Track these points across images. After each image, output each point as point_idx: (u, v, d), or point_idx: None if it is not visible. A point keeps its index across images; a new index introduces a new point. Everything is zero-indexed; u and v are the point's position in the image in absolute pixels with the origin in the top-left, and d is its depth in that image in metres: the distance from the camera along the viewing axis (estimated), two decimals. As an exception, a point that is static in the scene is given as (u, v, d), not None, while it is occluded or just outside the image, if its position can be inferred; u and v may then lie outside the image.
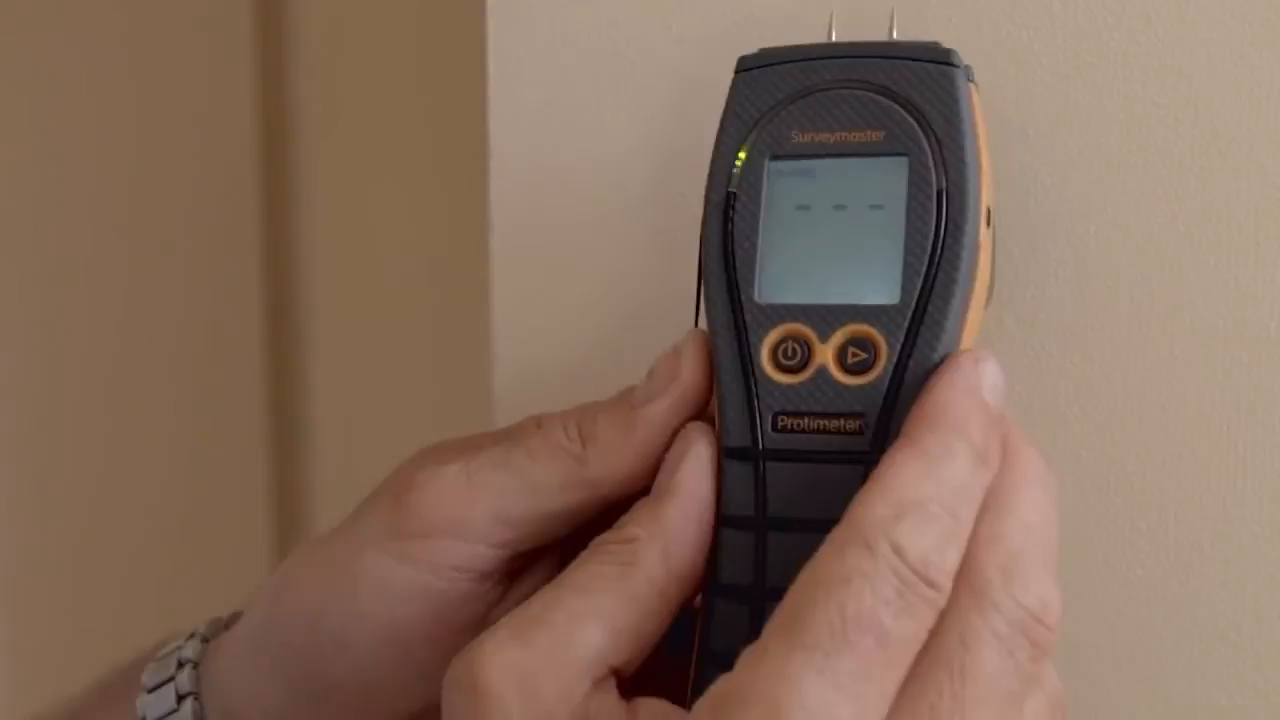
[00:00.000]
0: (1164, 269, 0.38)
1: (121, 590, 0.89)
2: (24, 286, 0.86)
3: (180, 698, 0.39)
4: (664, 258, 0.42)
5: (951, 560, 0.29)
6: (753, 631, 0.29)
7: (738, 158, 0.35)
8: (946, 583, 0.29)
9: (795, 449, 0.33)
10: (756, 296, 0.34)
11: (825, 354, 0.33)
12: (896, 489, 0.30)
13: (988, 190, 0.34)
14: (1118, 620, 0.40)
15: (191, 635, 0.40)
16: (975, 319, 0.34)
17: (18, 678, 0.86)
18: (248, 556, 0.96)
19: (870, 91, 0.34)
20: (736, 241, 0.34)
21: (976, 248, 0.33)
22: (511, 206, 0.44)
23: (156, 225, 0.91)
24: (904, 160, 0.34)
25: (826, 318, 0.33)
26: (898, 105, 0.34)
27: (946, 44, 0.35)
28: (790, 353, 0.34)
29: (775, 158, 0.35)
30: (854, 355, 0.33)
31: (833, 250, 0.34)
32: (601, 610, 0.32)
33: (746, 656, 0.29)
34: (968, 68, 0.34)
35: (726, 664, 0.29)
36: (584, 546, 0.34)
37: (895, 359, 0.33)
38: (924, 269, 0.33)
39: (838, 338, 0.33)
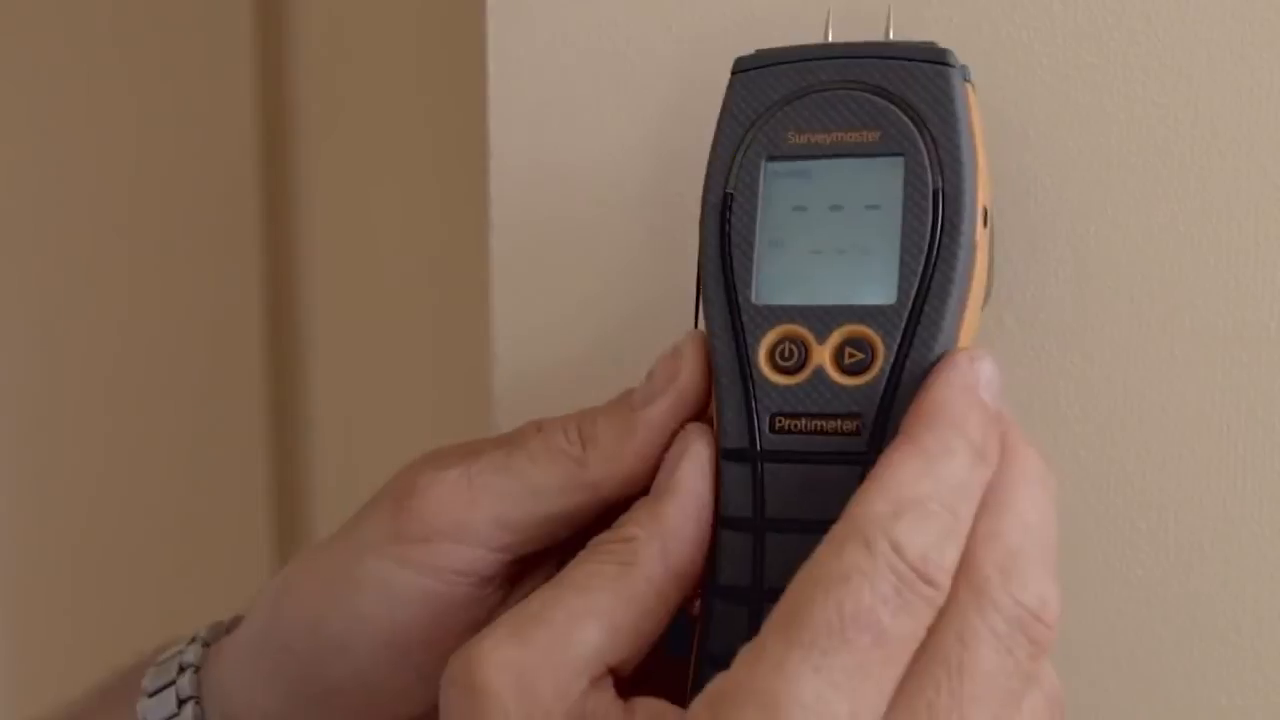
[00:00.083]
0: (1164, 269, 0.38)
1: (121, 591, 0.90)
2: (24, 287, 0.86)
3: (181, 702, 0.39)
4: (663, 257, 0.42)
5: (951, 558, 0.29)
6: (752, 632, 0.29)
7: (734, 159, 0.35)
8: (945, 580, 0.29)
9: (793, 450, 0.33)
10: (754, 298, 0.34)
11: (822, 355, 0.33)
12: (895, 487, 0.29)
13: (984, 190, 0.34)
14: (1118, 620, 0.40)
15: (192, 640, 0.40)
16: (973, 319, 0.34)
17: (17, 680, 0.86)
18: (247, 556, 0.96)
19: (866, 92, 0.34)
20: (733, 243, 0.34)
21: (973, 247, 0.33)
22: (511, 206, 0.44)
23: (157, 225, 0.91)
24: (899, 160, 0.34)
25: (823, 318, 0.33)
26: (893, 105, 0.34)
27: (946, 44, 0.35)
28: (787, 354, 0.34)
29: (772, 159, 0.35)
30: (851, 356, 0.33)
31: (829, 251, 0.34)
32: (599, 609, 0.32)
33: (744, 654, 0.29)
34: (964, 67, 0.34)
35: (725, 665, 0.29)
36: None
37: (892, 359, 0.33)
38: (920, 269, 0.33)
39: (835, 338, 0.33)
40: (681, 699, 0.32)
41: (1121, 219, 0.39)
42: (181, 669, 0.39)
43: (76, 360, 0.89)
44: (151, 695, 0.39)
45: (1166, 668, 0.40)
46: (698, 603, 0.34)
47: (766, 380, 0.34)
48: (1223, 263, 0.38)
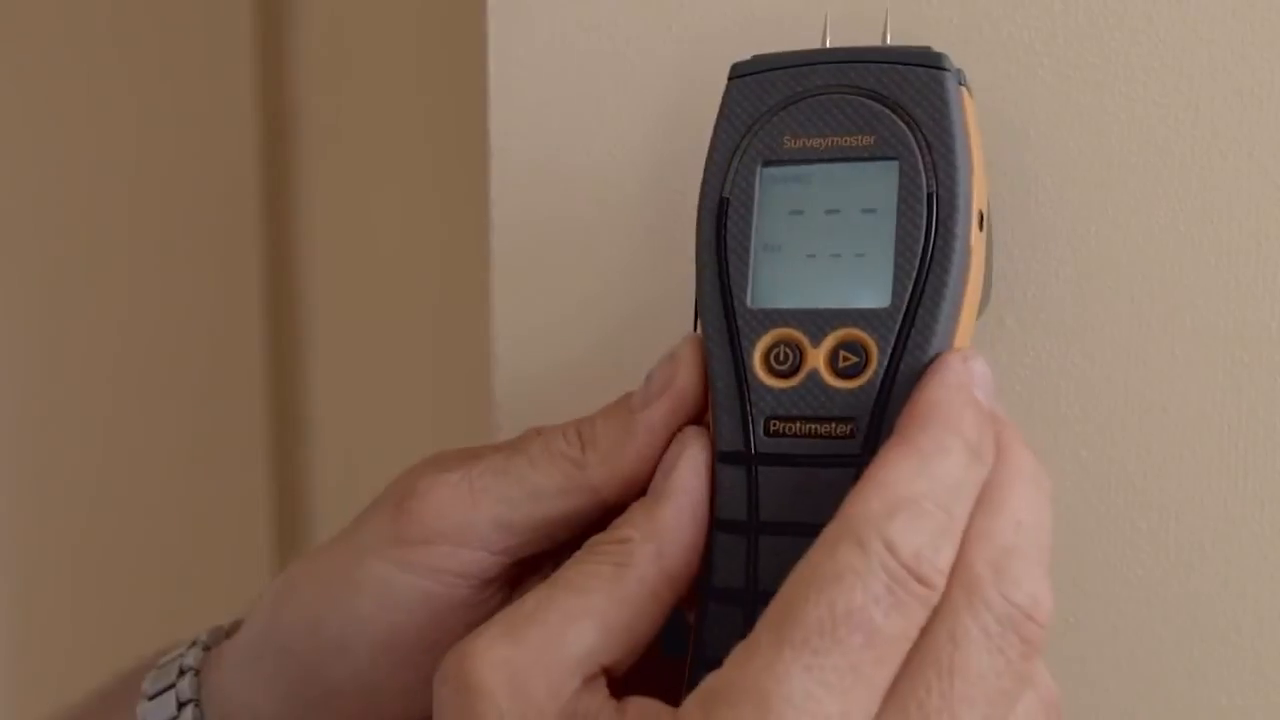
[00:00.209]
0: (1164, 269, 0.38)
1: (121, 593, 0.90)
2: (24, 287, 0.86)
3: (181, 705, 0.39)
4: (663, 257, 0.42)
5: (945, 557, 0.29)
6: (746, 634, 0.29)
7: (730, 165, 0.35)
8: (939, 580, 0.29)
9: (787, 453, 0.33)
10: (749, 302, 0.34)
11: (817, 358, 0.33)
12: (890, 486, 0.29)
13: (980, 194, 0.34)
14: (1118, 620, 0.40)
15: (193, 643, 0.40)
16: (968, 322, 0.34)
17: (18, 682, 0.86)
18: (248, 556, 0.96)
19: (861, 96, 0.34)
20: (729, 248, 0.34)
21: (967, 251, 0.33)
22: (511, 206, 0.44)
23: (157, 226, 0.91)
24: (894, 164, 0.34)
25: (818, 322, 0.33)
26: (888, 109, 0.34)
27: (947, 45, 0.35)
28: (782, 357, 0.34)
29: (768, 164, 0.35)
30: (845, 359, 0.33)
31: (825, 255, 0.34)
32: (593, 609, 0.32)
33: (737, 653, 0.29)
34: (960, 71, 0.34)
35: (719, 667, 0.29)
36: (584, 553, 0.34)
37: (886, 363, 0.33)
38: (914, 272, 0.33)
39: (829, 342, 0.33)
40: (678, 699, 0.32)
41: (1122, 219, 0.38)
42: (181, 672, 0.39)
43: (77, 361, 0.89)
44: (151, 698, 0.39)
45: (1166, 668, 0.40)
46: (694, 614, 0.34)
47: (761, 384, 0.34)
48: (1223, 263, 0.38)
